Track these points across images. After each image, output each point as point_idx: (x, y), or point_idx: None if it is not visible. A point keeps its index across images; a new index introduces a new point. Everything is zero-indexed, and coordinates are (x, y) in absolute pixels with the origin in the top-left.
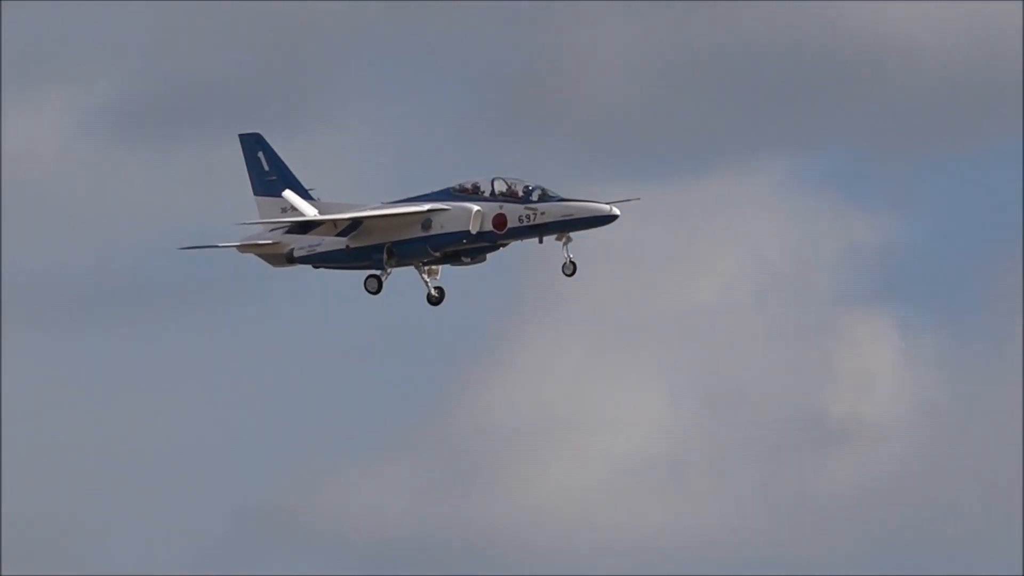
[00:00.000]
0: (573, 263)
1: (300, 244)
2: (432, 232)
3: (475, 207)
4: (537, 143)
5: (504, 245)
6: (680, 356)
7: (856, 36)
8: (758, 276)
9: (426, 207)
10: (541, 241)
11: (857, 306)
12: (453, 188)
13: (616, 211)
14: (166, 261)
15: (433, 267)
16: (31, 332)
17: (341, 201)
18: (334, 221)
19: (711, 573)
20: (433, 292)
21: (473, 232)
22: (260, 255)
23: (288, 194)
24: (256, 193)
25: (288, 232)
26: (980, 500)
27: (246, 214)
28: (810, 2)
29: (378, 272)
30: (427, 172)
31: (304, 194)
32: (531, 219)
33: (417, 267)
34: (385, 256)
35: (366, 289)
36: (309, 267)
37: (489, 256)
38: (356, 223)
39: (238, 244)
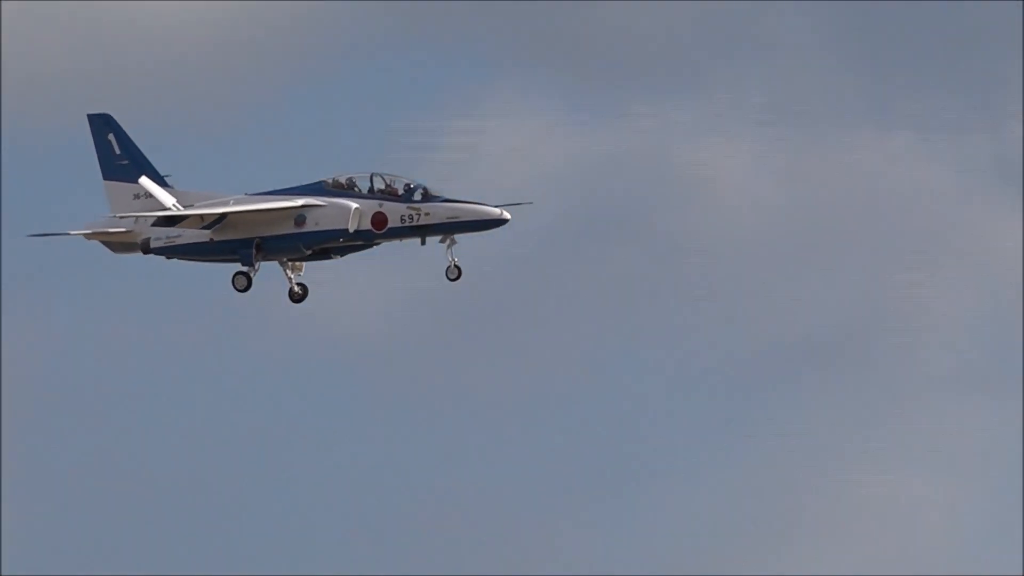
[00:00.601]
0: (458, 267)
1: (157, 234)
2: (306, 229)
3: (354, 204)
4: None
5: (378, 244)
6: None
7: None
8: None
9: (300, 202)
10: (424, 243)
11: None
12: (326, 182)
13: (507, 215)
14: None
15: (297, 263)
16: None
17: (200, 191)
18: (201, 215)
19: None
20: (296, 288)
21: (351, 230)
22: (108, 242)
23: (145, 181)
24: (106, 177)
25: (154, 224)
26: None
27: (94, 199)
28: None
29: (246, 268)
30: (294, 162)
31: (160, 181)
32: (414, 219)
33: (280, 262)
34: (254, 251)
35: (234, 286)
36: (162, 258)
37: (361, 253)
38: (222, 215)
39: (87, 232)
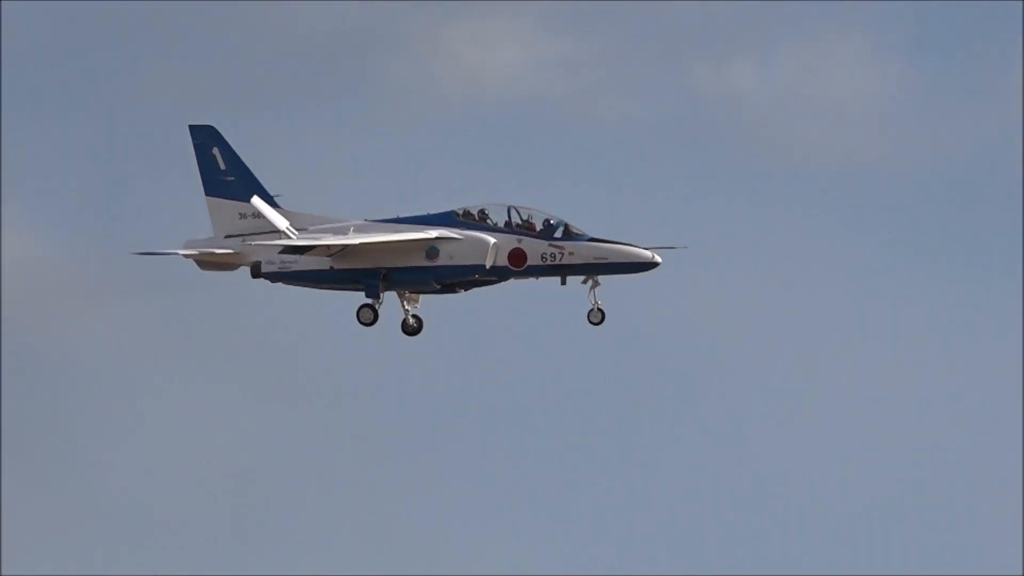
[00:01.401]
0: (601, 311)
1: (270, 258)
2: (439, 262)
3: (491, 239)
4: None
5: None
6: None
7: None
8: None
9: (433, 233)
10: (564, 282)
11: None
12: (457, 213)
13: (658, 258)
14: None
15: (414, 293)
16: None
17: (315, 213)
18: (328, 245)
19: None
20: (411, 320)
21: (487, 267)
22: (201, 261)
23: (257, 201)
24: (208, 193)
25: (282, 252)
26: None
27: (191, 214)
28: None
29: (371, 301)
30: (419, 187)
31: (268, 200)
32: (556, 258)
33: (399, 292)
34: (380, 283)
35: (359, 320)
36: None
37: (486, 289)
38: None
39: (195, 252)
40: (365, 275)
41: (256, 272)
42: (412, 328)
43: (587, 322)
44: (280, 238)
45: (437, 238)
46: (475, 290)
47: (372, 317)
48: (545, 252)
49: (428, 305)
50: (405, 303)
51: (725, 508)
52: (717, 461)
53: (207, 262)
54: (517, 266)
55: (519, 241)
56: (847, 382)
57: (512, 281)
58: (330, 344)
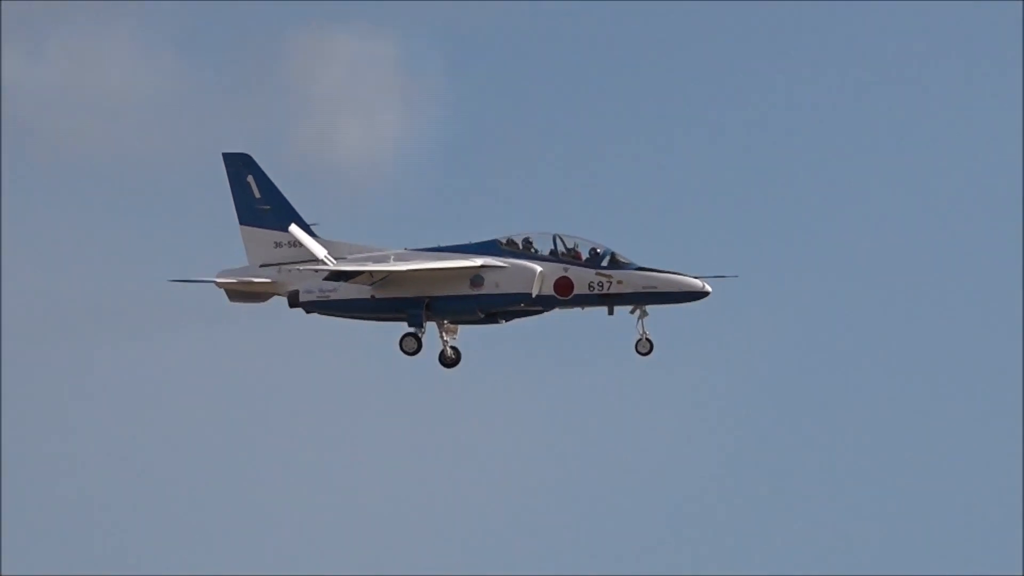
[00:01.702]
0: (650, 341)
1: (308, 287)
2: (484, 291)
3: (538, 267)
4: None
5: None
6: None
7: None
8: None
9: (478, 262)
10: (611, 312)
11: None
12: (500, 242)
13: (708, 288)
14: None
15: (452, 324)
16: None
17: (352, 242)
18: (371, 271)
19: None
20: (449, 352)
21: (533, 295)
22: (243, 293)
23: (295, 229)
24: (243, 222)
25: (326, 279)
26: None
27: (228, 244)
28: None
29: (415, 330)
30: (449, 216)
31: (305, 229)
32: (604, 287)
33: (438, 323)
34: (423, 312)
35: (402, 349)
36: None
37: (526, 319)
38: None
39: (234, 281)
40: (408, 304)
41: (294, 302)
42: (450, 360)
43: (635, 352)
44: (317, 267)
45: (482, 266)
46: (516, 320)
47: (416, 346)
48: (592, 281)
49: (468, 336)
50: (444, 334)
51: (780, 548)
52: (766, 495)
53: (237, 292)
54: (564, 295)
55: (565, 270)
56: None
57: (556, 311)
58: (368, 375)
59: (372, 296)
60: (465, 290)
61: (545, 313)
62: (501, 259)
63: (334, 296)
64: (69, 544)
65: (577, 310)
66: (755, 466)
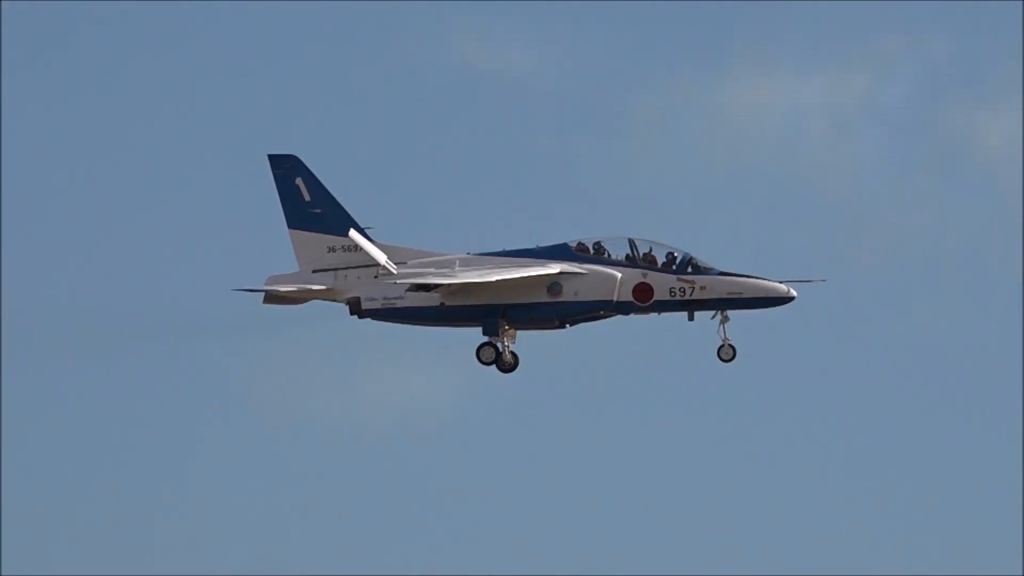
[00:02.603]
0: (733, 347)
1: (371, 294)
2: (563, 298)
3: (618, 273)
4: None
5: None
6: None
7: None
8: None
9: (556, 268)
10: (692, 318)
11: None
12: (571, 245)
13: (793, 292)
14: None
15: (511, 329)
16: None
17: (409, 246)
18: (450, 284)
19: None
20: (508, 357)
21: (614, 302)
22: (277, 298)
23: (355, 235)
24: (292, 226)
25: (409, 290)
26: None
27: (277, 250)
28: None
29: (490, 339)
30: (506, 217)
31: (361, 232)
32: (686, 293)
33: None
34: (501, 320)
35: (480, 359)
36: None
37: (590, 324)
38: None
39: (295, 288)
40: (484, 312)
41: (357, 308)
42: (509, 365)
43: (717, 358)
44: (378, 272)
45: (560, 273)
46: (581, 325)
47: (494, 355)
48: (674, 287)
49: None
50: (505, 339)
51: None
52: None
53: (273, 296)
54: (643, 301)
55: (644, 276)
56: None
57: (617, 317)
58: (429, 383)
59: (442, 304)
60: (543, 297)
61: (607, 319)
62: (579, 265)
63: (401, 304)
64: (69, 544)
65: (654, 315)
66: (840, 469)
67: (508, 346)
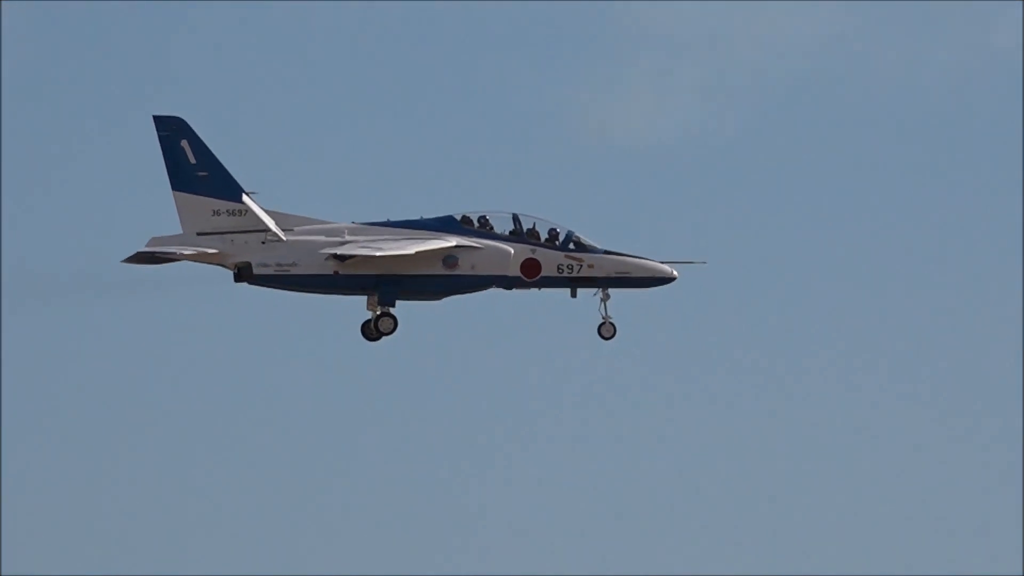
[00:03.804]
0: (613, 325)
1: (265, 259)
2: (458, 271)
3: (511, 248)
4: None
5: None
6: None
7: None
8: None
9: (453, 242)
10: (575, 295)
11: None
12: (455, 218)
13: (675, 273)
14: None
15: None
16: None
17: (296, 214)
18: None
19: None
20: (377, 326)
21: (509, 277)
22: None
23: (249, 201)
24: (176, 188)
25: (328, 259)
26: None
27: (161, 211)
28: None
29: (389, 308)
30: (379, 186)
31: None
32: (574, 270)
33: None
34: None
35: (379, 330)
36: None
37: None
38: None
39: (193, 253)
40: (377, 282)
41: (247, 274)
42: (373, 336)
43: (598, 335)
44: (266, 238)
45: (457, 246)
46: (458, 297)
47: (393, 326)
48: (562, 263)
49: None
50: (377, 308)
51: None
52: (719, 474)
53: (146, 256)
54: (530, 277)
55: (533, 251)
56: (861, 396)
57: (495, 290)
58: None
59: (335, 272)
60: (439, 270)
61: (482, 291)
62: (472, 239)
63: (295, 271)
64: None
65: (534, 290)
66: (713, 456)
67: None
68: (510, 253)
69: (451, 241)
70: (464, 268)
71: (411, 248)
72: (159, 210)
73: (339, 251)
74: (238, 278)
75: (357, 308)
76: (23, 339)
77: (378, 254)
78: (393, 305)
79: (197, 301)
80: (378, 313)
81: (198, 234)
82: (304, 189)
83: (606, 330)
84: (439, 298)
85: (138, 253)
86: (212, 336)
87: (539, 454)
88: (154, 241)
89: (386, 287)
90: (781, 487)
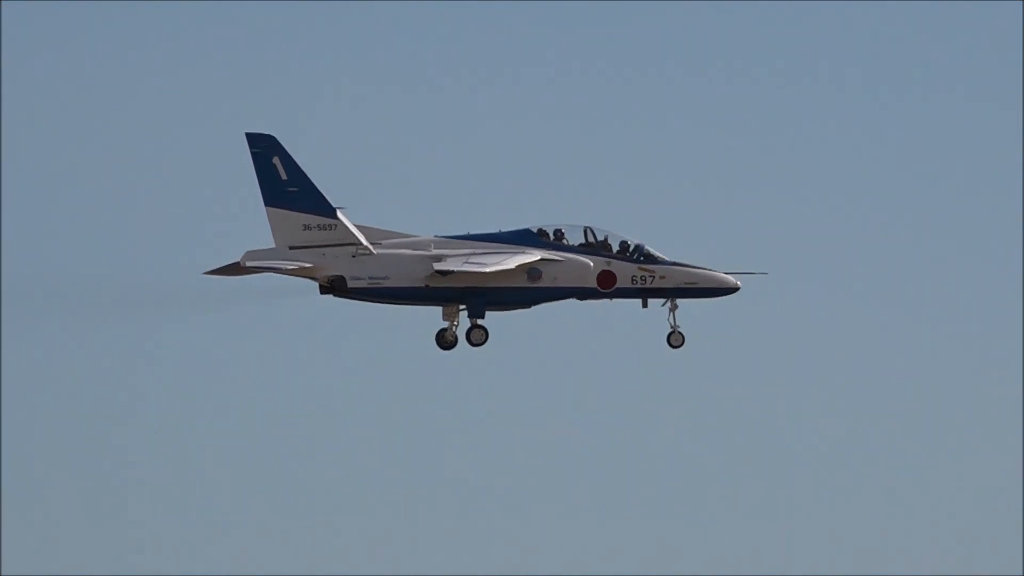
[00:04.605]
0: (682, 334)
1: (358, 272)
2: (542, 284)
3: (591, 261)
4: None
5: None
6: None
7: None
8: None
9: (537, 256)
10: (645, 305)
11: None
12: (534, 231)
13: (739, 284)
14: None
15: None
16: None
17: (380, 227)
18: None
19: None
20: (450, 336)
21: (588, 288)
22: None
23: (343, 216)
24: (268, 203)
25: (438, 271)
26: None
27: (256, 226)
28: None
29: (479, 320)
30: (458, 200)
31: (332, 212)
32: (647, 281)
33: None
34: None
35: (469, 341)
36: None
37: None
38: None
39: (296, 268)
40: (466, 294)
41: (340, 286)
42: (449, 344)
43: (667, 345)
44: (356, 251)
45: (541, 260)
46: (542, 306)
47: (484, 337)
48: (635, 275)
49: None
50: (455, 320)
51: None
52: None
53: (236, 269)
54: (605, 288)
55: (608, 263)
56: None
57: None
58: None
59: (426, 285)
60: (522, 282)
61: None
62: (554, 252)
63: (386, 284)
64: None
65: (605, 301)
66: (774, 459)
67: (456, 325)
68: (590, 266)
69: (535, 255)
70: (547, 280)
71: (510, 263)
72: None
73: (444, 267)
74: (329, 291)
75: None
76: (119, 349)
77: (487, 270)
78: (482, 316)
79: (287, 312)
80: (470, 325)
81: (290, 248)
82: (379, 203)
83: (675, 339)
84: (527, 307)
85: (233, 265)
86: (303, 346)
87: (619, 459)
88: (249, 255)
89: (473, 299)
90: (848, 494)
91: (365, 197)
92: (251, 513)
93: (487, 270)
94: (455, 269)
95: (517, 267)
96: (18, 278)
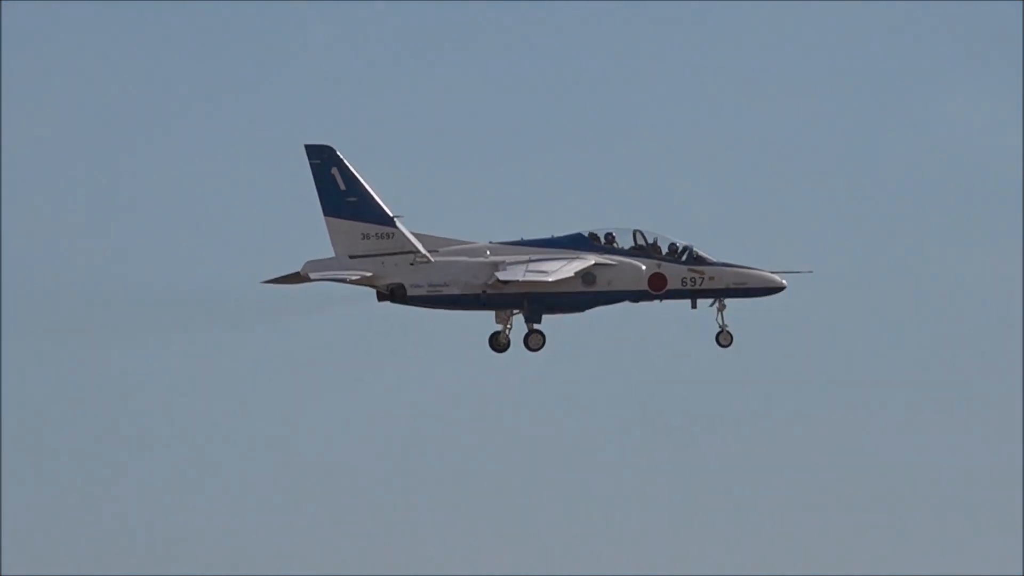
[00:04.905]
0: (731, 334)
1: (417, 280)
2: (596, 288)
3: (643, 265)
4: None
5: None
6: None
7: None
8: None
9: (591, 261)
10: (695, 306)
11: None
12: (586, 235)
13: (785, 283)
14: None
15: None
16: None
17: (432, 233)
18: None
19: None
20: (503, 339)
21: (641, 292)
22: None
23: (401, 225)
24: (327, 213)
25: (494, 281)
26: None
27: (313, 235)
28: None
29: (536, 326)
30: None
31: (390, 221)
32: (697, 283)
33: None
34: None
35: (528, 346)
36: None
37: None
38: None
39: (358, 278)
40: (522, 300)
41: (400, 294)
42: (502, 346)
43: (716, 344)
44: (415, 259)
45: (595, 264)
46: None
47: (542, 342)
48: (685, 277)
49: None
50: (508, 323)
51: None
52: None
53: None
54: (657, 290)
55: (659, 266)
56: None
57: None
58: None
59: (484, 291)
60: (578, 287)
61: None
62: (608, 256)
63: (446, 291)
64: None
65: (656, 302)
66: (823, 456)
67: (509, 328)
68: (642, 269)
69: (590, 260)
70: (601, 284)
71: (569, 270)
72: (308, 233)
73: (507, 276)
74: (388, 298)
75: (487, 321)
76: (181, 358)
77: (549, 279)
78: (539, 321)
79: (347, 319)
80: (527, 331)
81: (350, 257)
82: (433, 210)
83: (724, 338)
84: (581, 311)
85: (293, 275)
86: (364, 351)
87: (671, 456)
88: (309, 265)
89: (531, 304)
90: (898, 494)
91: (419, 205)
92: (313, 514)
93: (549, 279)
94: (519, 278)
95: (576, 274)
96: (82, 288)
